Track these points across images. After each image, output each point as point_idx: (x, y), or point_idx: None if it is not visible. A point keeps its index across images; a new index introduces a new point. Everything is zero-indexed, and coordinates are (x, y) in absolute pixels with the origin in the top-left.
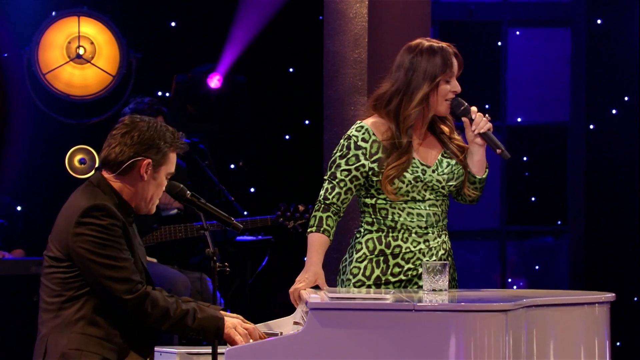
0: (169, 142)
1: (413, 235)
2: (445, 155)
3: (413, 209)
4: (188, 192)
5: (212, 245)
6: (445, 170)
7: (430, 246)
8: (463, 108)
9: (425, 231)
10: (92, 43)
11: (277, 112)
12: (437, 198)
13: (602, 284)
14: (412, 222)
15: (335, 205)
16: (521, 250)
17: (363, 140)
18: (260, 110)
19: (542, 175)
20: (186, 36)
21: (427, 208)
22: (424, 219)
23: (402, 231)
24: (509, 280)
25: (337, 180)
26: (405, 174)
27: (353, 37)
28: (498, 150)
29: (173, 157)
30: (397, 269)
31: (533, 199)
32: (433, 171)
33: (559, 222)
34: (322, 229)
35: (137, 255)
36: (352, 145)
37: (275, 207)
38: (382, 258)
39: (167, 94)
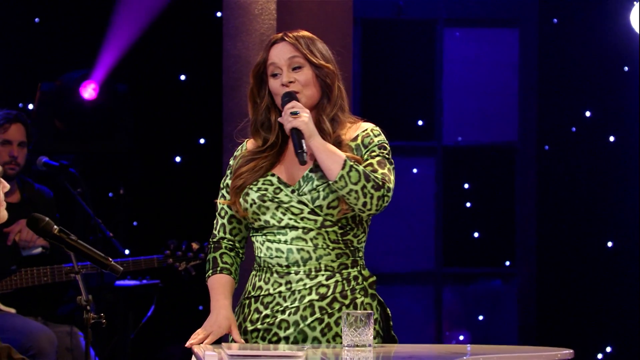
0: None
1: (274, 275)
2: (314, 170)
3: (272, 242)
4: (55, 226)
5: (84, 292)
6: (306, 190)
7: (293, 289)
8: (285, 100)
9: (286, 270)
10: None
11: (165, 129)
12: (307, 227)
13: (558, 337)
14: (272, 258)
15: (225, 240)
16: (461, 296)
17: (234, 158)
18: (145, 126)
19: (486, 207)
20: (54, 35)
21: (290, 242)
22: (284, 255)
23: (265, 269)
24: (447, 333)
25: (218, 210)
26: (249, 192)
27: (259, 38)
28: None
29: None
30: (255, 315)
31: (475, 235)
32: (292, 191)
33: (507, 264)
34: (219, 269)
35: None
36: (230, 168)
37: (163, 245)
38: (247, 302)
39: (30, 106)
